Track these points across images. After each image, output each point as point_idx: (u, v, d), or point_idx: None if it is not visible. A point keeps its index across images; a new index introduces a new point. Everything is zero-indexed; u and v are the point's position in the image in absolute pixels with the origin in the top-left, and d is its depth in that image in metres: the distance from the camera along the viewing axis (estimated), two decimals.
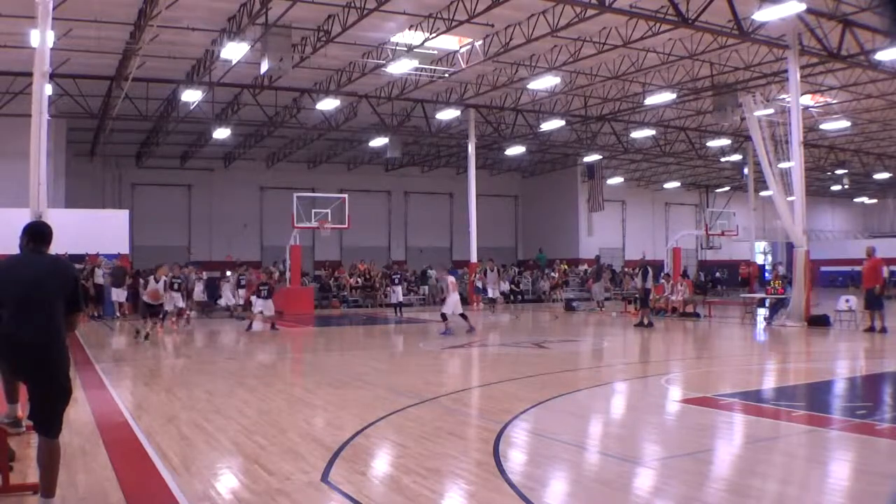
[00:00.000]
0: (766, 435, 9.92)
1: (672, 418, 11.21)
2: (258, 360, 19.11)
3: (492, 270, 38.24)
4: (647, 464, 8.37)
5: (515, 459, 8.56)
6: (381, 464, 8.55)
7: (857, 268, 24.75)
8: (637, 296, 30.96)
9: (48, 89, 15.64)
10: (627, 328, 26.18)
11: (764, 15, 22.82)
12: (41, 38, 14.35)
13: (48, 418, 6.33)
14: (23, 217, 8.44)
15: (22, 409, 6.86)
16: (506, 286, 39.28)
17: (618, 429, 10.80)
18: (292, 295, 35.26)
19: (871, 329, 23.28)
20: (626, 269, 48.20)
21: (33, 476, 7.26)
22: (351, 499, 6.97)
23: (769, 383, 15.53)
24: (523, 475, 7.89)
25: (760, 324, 27.58)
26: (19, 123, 23.53)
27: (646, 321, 26.49)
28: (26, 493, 7.13)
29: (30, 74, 15.40)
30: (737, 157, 48.28)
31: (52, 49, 15.79)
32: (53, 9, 14.81)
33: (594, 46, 27.61)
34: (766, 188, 30.36)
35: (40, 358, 6.22)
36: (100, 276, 32.72)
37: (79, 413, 10.80)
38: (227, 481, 7.75)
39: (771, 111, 29.91)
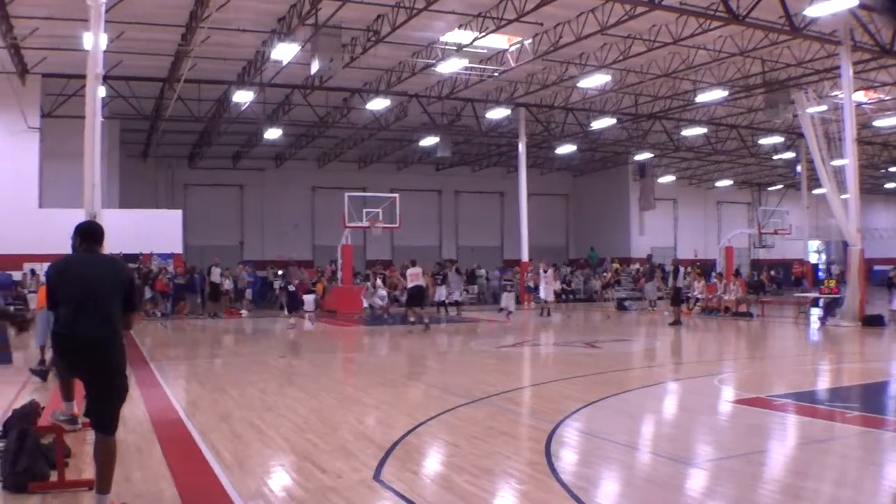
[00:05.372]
0: (819, 436, 9.82)
1: (725, 419, 11.12)
2: (309, 359, 19.22)
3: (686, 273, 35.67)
4: (699, 465, 8.30)
5: (567, 459, 8.54)
6: (433, 463, 8.56)
7: None
8: (688, 295, 30.94)
9: (101, 91, 15.80)
10: (680, 327, 25.91)
11: (815, 10, 22.53)
12: (94, 40, 14.49)
13: (105, 416, 6.41)
14: (78, 218, 8.54)
15: (77, 407, 6.96)
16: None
17: (670, 429, 10.71)
18: (343, 294, 35.40)
19: None
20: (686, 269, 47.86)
21: (88, 472, 7.37)
22: (403, 497, 6.99)
23: (823, 384, 15.36)
24: (575, 475, 7.86)
25: (814, 324, 27.27)
26: (73, 125, 23.85)
27: (674, 319, 26.53)
28: (81, 488, 7.25)
29: (83, 77, 15.59)
30: (789, 155, 47.70)
31: (104, 51, 15.97)
32: (106, 12, 14.94)
33: (644, 44, 27.46)
34: (820, 186, 30.05)
35: (97, 357, 6.30)
36: (217, 276, 33.51)
37: (134, 411, 10.92)
38: (279, 479, 7.81)
39: (824, 108, 29.61)
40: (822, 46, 27.57)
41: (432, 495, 7.08)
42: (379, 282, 33.51)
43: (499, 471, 7.95)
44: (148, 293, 32.38)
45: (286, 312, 30.62)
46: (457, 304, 33.21)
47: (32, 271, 29.76)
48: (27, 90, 30.52)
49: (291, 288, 32.34)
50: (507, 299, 30.78)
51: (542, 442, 9.00)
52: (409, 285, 25.13)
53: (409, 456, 8.56)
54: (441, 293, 32.43)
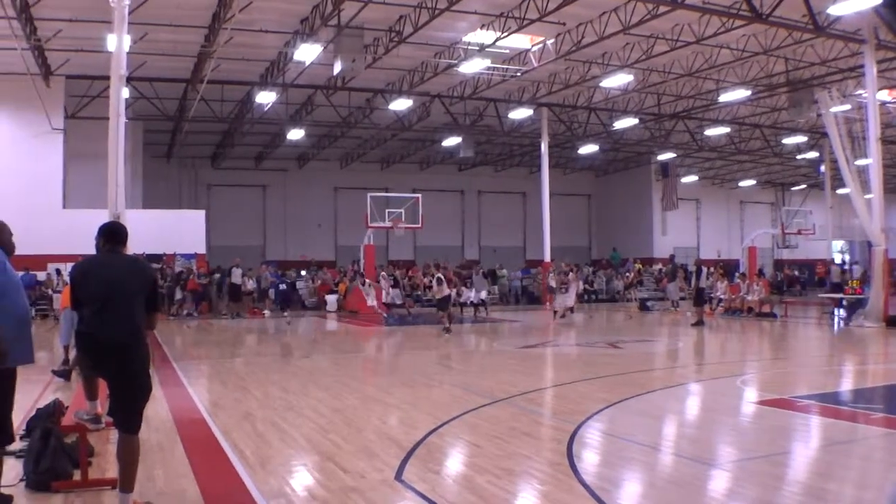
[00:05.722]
0: (843, 438, 9.74)
1: (747, 420, 11.06)
2: (332, 359, 19.25)
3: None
4: (721, 466, 8.26)
5: (589, 460, 8.51)
6: (455, 463, 8.54)
7: None
8: (711, 295, 30.79)
9: (125, 92, 15.90)
10: (703, 328, 25.79)
11: (839, 9, 22.38)
12: (118, 42, 14.57)
13: (128, 415, 6.44)
14: (101, 218, 8.58)
15: (101, 406, 6.99)
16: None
17: (692, 430, 10.66)
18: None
19: None
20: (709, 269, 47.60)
21: (111, 471, 7.42)
22: (425, 497, 6.99)
23: (847, 385, 15.25)
24: (597, 476, 7.83)
25: (838, 324, 27.08)
26: (97, 126, 24.01)
27: (697, 320, 26.39)
28: (105, 487, 7.28)
29: (107, 78, 15.74)
30: (813, 155, 47.46)
31: (128, 53, 16.04)
32: (129, 13, 15.02)
33: (667, 43, 27.40)
34: (844, 185, 29.88)
35: (121, 356, 6.32)
36: (238, 276, 33.69)
37: (157, 410, 10.96)
38: (301, 478, 7.82)
39: (847, 107, 29.45)
40: (845, 45, 27.43)
41: (454, 495, 7.07)
42: (384, 281, 33.69)
43: (520, 471, 7.94)
44: (178, 294, 32.65)
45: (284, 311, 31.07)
46: (482, 303, 33.24)
47: (57, 271, 29.98)
48: (51, 92, 30.74)
49: (282, 286, 32.97)
50: (562, 301, 30.75)
51: (564, 443, 8.97)
52: (445, 293, 25.48)
53: (432, 456, 8.55)
54: (468, 295, 32.60)
